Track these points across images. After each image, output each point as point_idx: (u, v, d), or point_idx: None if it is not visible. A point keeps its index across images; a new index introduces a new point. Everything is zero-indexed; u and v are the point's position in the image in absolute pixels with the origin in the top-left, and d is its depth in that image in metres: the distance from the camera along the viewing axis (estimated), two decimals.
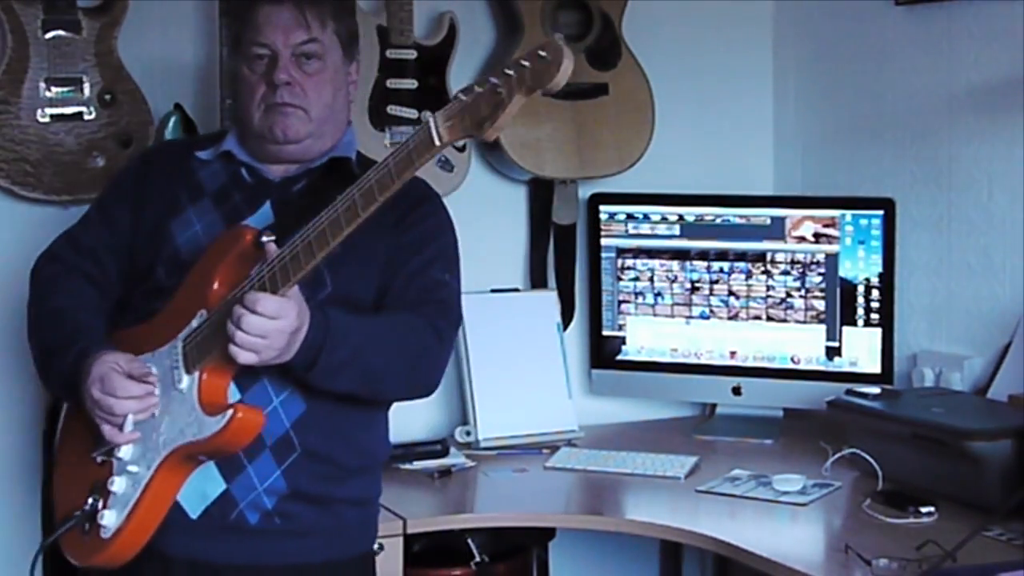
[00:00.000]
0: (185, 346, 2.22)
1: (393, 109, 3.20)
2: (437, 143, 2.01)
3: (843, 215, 3.19)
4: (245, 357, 2.10)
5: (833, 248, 3.21)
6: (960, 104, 3.12)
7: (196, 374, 2.21)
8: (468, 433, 3.22)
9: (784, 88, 3.64)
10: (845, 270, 3.20)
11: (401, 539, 2.71)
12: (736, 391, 3.35)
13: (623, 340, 3.42)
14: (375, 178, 2.04)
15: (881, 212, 3.15)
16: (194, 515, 2.25)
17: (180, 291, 2.29)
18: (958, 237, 3.15)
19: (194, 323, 2.22)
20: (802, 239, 3.24)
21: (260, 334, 2.09)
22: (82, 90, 2.97)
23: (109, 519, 2.23)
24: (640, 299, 3.39)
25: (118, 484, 2.24)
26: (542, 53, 1.95)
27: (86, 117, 2.98)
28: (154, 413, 2.23)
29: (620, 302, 3.41)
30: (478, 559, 2.95)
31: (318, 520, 2.31)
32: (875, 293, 3.18)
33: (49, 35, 2.94)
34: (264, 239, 2.17)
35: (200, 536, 2.26)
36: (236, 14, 2.39)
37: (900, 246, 3.17)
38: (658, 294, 3.37)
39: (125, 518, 2.22)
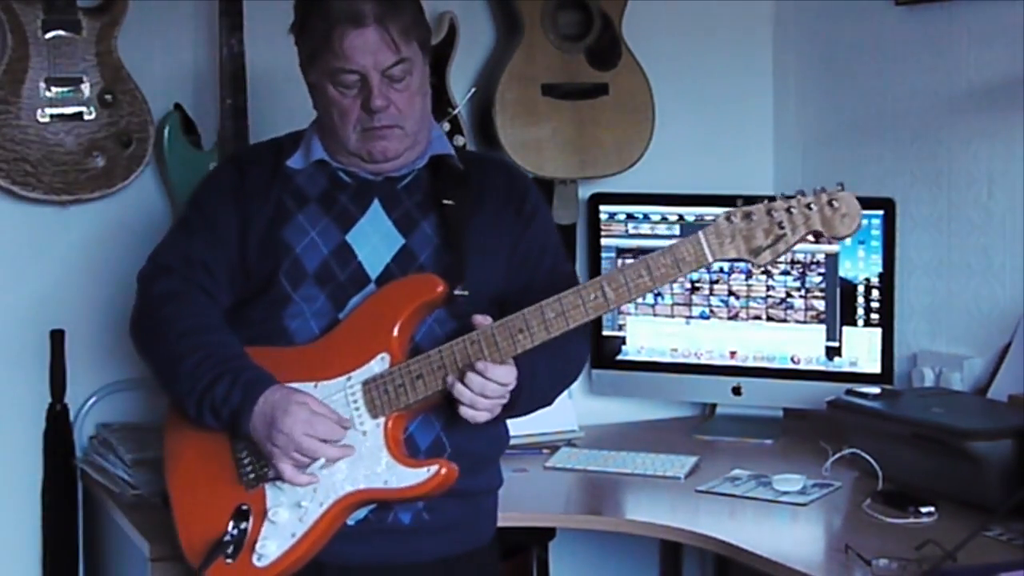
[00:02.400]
0: (367, 389, 2.24)
1: None
2: (709, 259, 2.13)
3: None
4: (483, 418, 2.22)
5: (833, 248, 3.20)
6: (960, 104, 3.12)
7: (381, 420, 2.23)
8: None
9: (784, 88, 3.64)
10: (845, 270, 3.20)
11: None
12: (736, 391, 3.35)
13: (623, 340, 3.42)
14: (632, 278, 2.15)
15: (881, 212, 3.15)
16: (352, 522, 2.27)
17: (347, 324, 2.29)
18: (958, 237, 3.15)
19: (375, 366, 2.24)
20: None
21: (499, 397, 2.21)
22: (82, 90, 2.97)
23: (270, 548, 2.22)
24: (640, 299, 3.39)
25: (281, 515, 2.23)
26: (835, 203, 2.12)
27: (86, 117, 2.98)
28: None
29: None
30: None
31: (462, 512, 2.35)
32: (875, 293, 3.18)
33: (49, 35, 2.94)
34: (457, 292, 2.26)
35: (356, 541, 2.27)
36: (311, 31, 2.30)
37: (900, 246, 3.17)
38: (658, 294, 3.37)
39: (288, 549, 2.22)
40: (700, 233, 2.13)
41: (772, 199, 2.14)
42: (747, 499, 2.77)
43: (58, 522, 3.04)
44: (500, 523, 2.84)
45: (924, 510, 2.59)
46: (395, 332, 2.25)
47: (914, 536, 2.40)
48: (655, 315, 3.38)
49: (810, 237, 2.15)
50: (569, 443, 3.24)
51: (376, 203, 2.36)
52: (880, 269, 3.16)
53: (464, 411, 2.20)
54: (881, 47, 3.33)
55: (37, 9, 2.92)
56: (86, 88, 2.97)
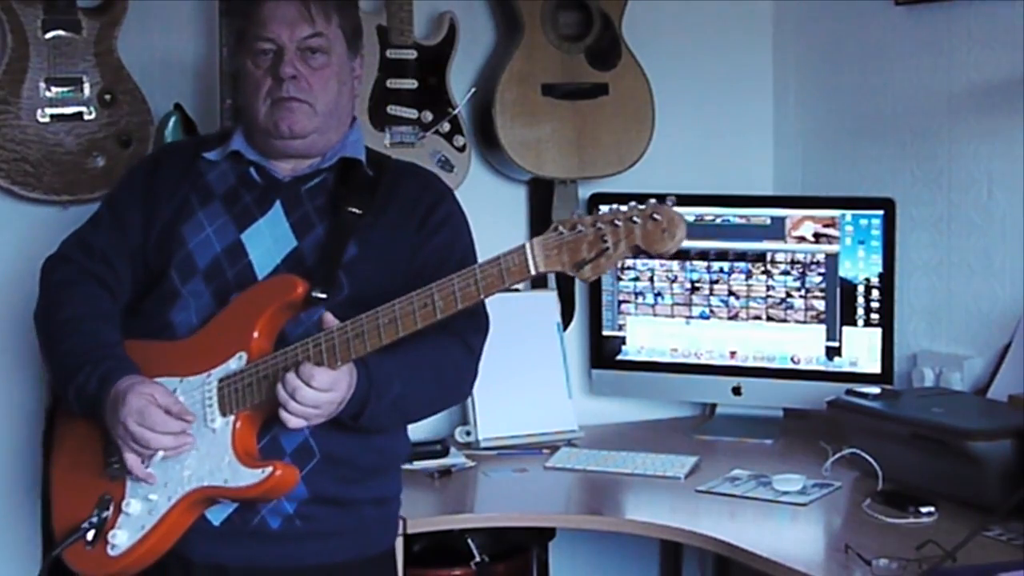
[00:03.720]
0: (222, 386, 2.23)
1: (393, 109, 3.20)
2: (532, 271, 2.06)
3: (843, 215, 3.19)
4: (296, 423, 2.16)
5: (833, 248, 3.21)
6: (960, 104, 3.12)
7: (231, 418, 2.22)
8: (468, 433, 3.22)
9: (784, 88, 3.64)
10: (845, 270, 3.20)
11: (401, 539, 2.70)
12: (736, 391, 3.35)
13: (623, 340, 3.42)
14: (459, 285, 2.09)
15: (881, 212, 3.15)
16: (216, 522, 2.27)
17: (215, 322, 2.30)
18: (958, 237, 3.15)
19: (232, 364, 2.24)
20: (802, 239, 3.24)
21: (314, 405, 2.14)
22: (82, 90, 2.97)
23: (120, 539, 2.24)
24: (640, 299, 3.39)
25: (133, 506, 2.24)
26: (657, 217, 2.00)
27: (86, 117, 2.98)
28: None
29: (620, 302, 3.41)
30: (478, 559, 2.96)
31: (339, 521, 2.32)
32: (875, 293, 3.18)
33: (49, 35, 2.94)
34: (315, 294, 2.23)
35: (223, 542, 2.27)
36: (239, 11, 2.40)
37: (900, 246, 3.17)
38: (658, 294, 3.37)
39: (137, 541, 2.23)
40: (526, 243, 2.07)
41: (603, 212, 2.06)
42: (747, 499, 2.77)
43: None
44: (500, 523, 2.85)
45: (924, 510, 2.59)
46: (255, 331, 2.24)
47: (914, 536, 2.40)
48: (655, 315, 3.38)
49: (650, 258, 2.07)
50: (569, 443, 3.24)
51: (278, 204, 2.38)
52: (880, 269, 3.16)
53: (280, 413, 2.15)
54: (881, 47, 3.33)
55: (37, 9, 2.93)
56: (86, 88, 2.98)
